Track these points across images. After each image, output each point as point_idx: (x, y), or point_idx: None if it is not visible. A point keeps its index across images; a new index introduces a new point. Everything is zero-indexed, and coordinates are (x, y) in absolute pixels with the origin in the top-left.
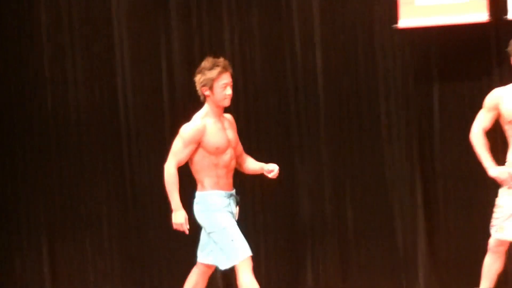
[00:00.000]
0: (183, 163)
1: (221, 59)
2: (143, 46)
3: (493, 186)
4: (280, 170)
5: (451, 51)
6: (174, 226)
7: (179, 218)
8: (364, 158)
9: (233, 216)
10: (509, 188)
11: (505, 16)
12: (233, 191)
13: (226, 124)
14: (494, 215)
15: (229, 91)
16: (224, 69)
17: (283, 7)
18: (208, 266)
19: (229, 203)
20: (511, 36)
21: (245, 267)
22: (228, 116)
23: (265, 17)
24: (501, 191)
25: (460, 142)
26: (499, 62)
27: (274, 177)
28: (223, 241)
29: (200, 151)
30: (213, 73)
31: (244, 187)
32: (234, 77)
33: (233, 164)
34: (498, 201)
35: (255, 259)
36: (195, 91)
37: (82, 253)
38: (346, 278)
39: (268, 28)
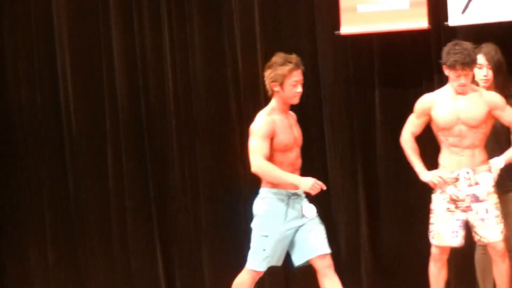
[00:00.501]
0: (267, 157)
1: (293, 56)
2: (84, 49)
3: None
4: None
5: (392, 58)
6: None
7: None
8: (306, 165)
9: (298, 216)
10: (441, 192)
11: (446, 23)
12: (298, 191)
13: (292, 121)
14: (430, 220)
15: (299, 88)
16: (296, 66)
17: (224, 14)
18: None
19: (288, 203)
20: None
21: (249, 277)
22: (292, 114)
23: (206, 22)
24: (434, 196)
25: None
26: (440, 68)
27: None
28: (255, 242)
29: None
30: (285, 69)
31: None
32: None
33: (299, 163)
34: (432, 206)
35: None
36: (136, 96)
37: (24, 260)
38: (289, 283)
39: (209, 34)
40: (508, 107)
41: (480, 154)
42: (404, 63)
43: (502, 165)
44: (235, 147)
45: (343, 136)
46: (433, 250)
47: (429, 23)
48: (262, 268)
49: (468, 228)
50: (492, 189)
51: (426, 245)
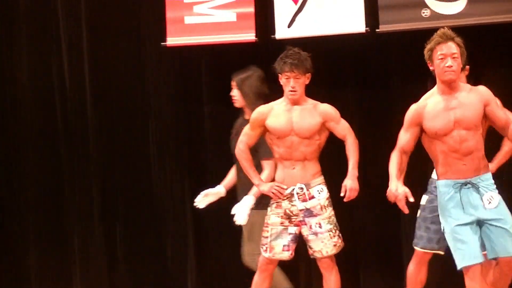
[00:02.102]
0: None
1: (444, 29)
2: None
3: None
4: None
5: (220, 70)
6: None
7: None
8: (131, 176)
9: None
10: (276, 207)
11: (273, 36)
12: (472, 178)
13: (456, 103)
14: (263, 233)
15: (449, 62)
16: (441, 38)
17: (51, 23)
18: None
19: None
20: (277, 55)
21: None
22: (476, 89)
23: (32, 30)
24: (269, 210)
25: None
26: (266, 80)
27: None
28: None
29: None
30: (431, 43)
31: None
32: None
33: (465, 147)
34: (267, 220)
35: None
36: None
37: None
38: None
39: (35, 42)
40: (343, 122)
41: (312, 167)
42: (232, 74)
43: None
44: None
45: (170, 148)
46: (261, 260)
47: (257, 35)
48: None
49: (299, 241)
50: (326, 203)
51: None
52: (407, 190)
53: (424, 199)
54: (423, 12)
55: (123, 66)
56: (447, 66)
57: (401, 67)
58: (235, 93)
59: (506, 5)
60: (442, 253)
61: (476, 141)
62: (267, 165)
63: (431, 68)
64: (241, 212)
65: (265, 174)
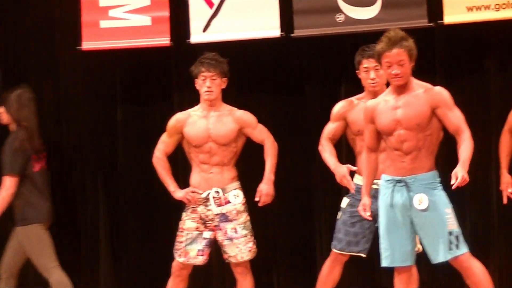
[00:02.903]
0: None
1: (392, 32)
2: None
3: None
4: None
5: (135, 74)
6: None
7: None
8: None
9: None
10: (192, 212)
11: (188, 40)
12: (407, 177)
13: (401, 103)
14: (178, 238)
15: (395, 70)
16: (386, 46)
17: None
18: None
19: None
20: (192, 59)
21: None
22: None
23: None
24: (184, 215)
25: (142, 166)
26: (180, 85)
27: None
28: None
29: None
30: (378, 49)
31: None
32: None
33: (406, 146)
34: (181, 224)
35: None
36: None
37: None
38: None
39: None
40: (260, 126)
41: (229, 172)
42: (147, 79)
43: None
44: None
45: (88, 151)
46: (175, 265)
47: (172, 40)
48: None
49: (213, 246)
50: (242, 208)
51: (168, 262)
52: (347, 165)
53: (345, 202)
54: (338, 17)
55: (37, 69)
56: (394, 74)
57: (316, 71)
58: (1, 110)
59: (418, 10)
60: (364, 255)
61: (418, 141)
62: (9, 181)
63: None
64: None
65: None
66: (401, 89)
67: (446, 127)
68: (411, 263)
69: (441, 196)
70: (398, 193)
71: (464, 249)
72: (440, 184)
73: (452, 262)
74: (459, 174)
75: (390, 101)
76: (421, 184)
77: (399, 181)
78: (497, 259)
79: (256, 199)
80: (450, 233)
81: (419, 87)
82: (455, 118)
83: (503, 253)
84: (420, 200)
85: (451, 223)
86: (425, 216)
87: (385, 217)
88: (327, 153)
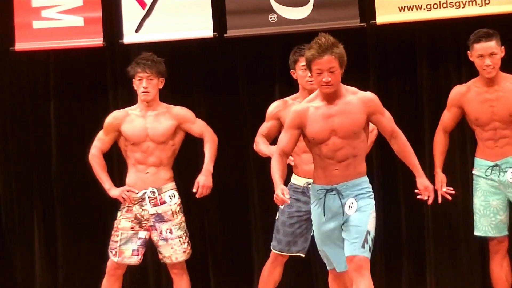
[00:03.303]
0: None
1: (323, 38)
2: None
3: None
4: None
5: (69, 74)
6: None
7: None
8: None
9: None
10: (127, 211)
11: (120, 41)
12: (338, 184)
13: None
14: (113, 238)
15: (325, 77)
16: (316, 53)
17: None
18: None
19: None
20: (126, 59)
21: None
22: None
23: None
24: (119, 214)
25: (77, 164)
26: (115, 84)
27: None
28: None
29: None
30: (308, 55)
31: None
32: None
33: (340, 154)
34: (116, 224)
35: None
36: None
37: None
38: None
39: None
40: (199, 121)
41: (165, 172)
42: (80, 79)
43: None
44: None
45: (17, 153)
46: (109, 264)
47: (104, 40)
48: None
49: (148, 246)
50: (177, 209)
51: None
52: (283, 187)
53: None
54: (271, 17)
55: None
56: (325, 82)
57: (249, 71)
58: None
59: (350, 10)
60: (302, 255)
61: (353, 148)
62: None
63: (293, 76)
64: None
65: None
66: (331, 96)
67: (382, 131)
68: (345, 268)
69: (370, 202)
70: (330, 201)
71: (369, 254)
72: (371, 190)
73: (350, 261)
74: (430, 188)
75: (321, 109)
76: (353, 190)
77: (330, 190)
78: (432, 256)
79: (194, 190)
80: (369, 233)
81: (349, 93)
82: (388, 121)
83: (438, 253)
84: (350, 205)
85: (371, 225)
86: (351, 217)
87: (318, 227)
88: (263, 146)
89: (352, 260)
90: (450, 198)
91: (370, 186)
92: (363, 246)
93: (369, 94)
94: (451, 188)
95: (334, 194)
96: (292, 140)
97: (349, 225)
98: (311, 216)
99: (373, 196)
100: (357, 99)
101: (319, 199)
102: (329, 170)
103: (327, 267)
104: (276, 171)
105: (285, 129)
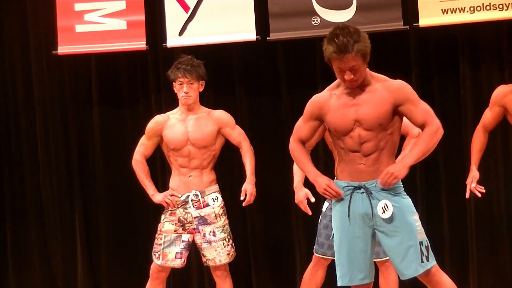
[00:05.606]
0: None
1: (340, 36)
2: None
3: (151, 213)
4: None
5: (111, 78)
6: None
7: None
8: (20, 180)
9: None
10: (170, 214)
11: (164, 44)
12: (367, 182)
13: (359, 100)
14: (156, 241)
15: (347, 75)
16: (335, 54)
17: None
18: None
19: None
20: (169, 62)
21: None
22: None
23: None
24: (162, 217)
25: (121, 168)
26: (158, 88)
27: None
28: None
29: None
30: (326, 53)
31: None
32: None
33: (365, 147)
34: (160, 227)
35: None
36: None
37: None
38: None
39: None
40: (238, 128)
41: (208, 175)
42: (123, 83)
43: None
44: None
45: (59, 156)
46: (153, 268)
47: (147, 44)
48: None
49: (192, 249)
50: (220, 211)
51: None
52: (307, 191)
53: (325, 206)
54: (313, 20)
55: (11, 73)
56: (347, 80)
57: (292, 74)
58: None
59: (393, 13)
60: None
61: (379, 141)
62: None
63: None
64: None
65: None
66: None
67: (413, 124)
68: (370, 280)
69: (407, 202)
70: (357, 200)
71: (434, 261)
72: (402, 186)
73: (421, 277)
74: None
75: (343, 97)
76: (384, 190)
77: (357, 187)
78: (475, 259)
79: (242, 198)
80: (421, 244)
81: (375, 80)
82: (422, 113)
83: (481, 252)
84: (384, 208)
85: (421, 232)
86: (390, 226)
87: (340, 230)
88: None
89: (423, 278)
90: (479, 195)
91: (400, 182)
92: (422, 261)
93: (397, 82)
94: (482, 187)
95: (362, 193)
96: (310, 131)
97: (394, 239)
98: (332, 214)
99: (405, 194)
100: (384, 88)
101: (344, 197)
102: (355, 164)
103: (338, 282)
104: (306, 161)
105: (303, 121)
